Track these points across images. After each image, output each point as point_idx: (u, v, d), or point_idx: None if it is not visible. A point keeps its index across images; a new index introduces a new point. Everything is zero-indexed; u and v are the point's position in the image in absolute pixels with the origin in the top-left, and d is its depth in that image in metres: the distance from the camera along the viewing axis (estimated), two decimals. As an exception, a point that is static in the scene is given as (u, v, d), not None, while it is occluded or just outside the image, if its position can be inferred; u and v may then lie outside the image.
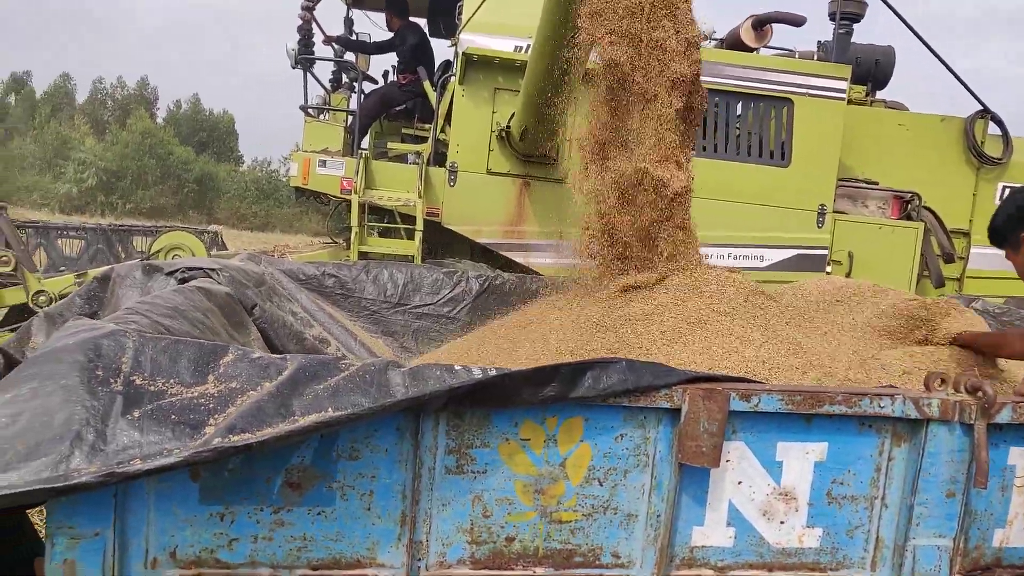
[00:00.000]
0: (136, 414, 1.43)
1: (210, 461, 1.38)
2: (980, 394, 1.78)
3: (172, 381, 1.51)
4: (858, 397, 1.74)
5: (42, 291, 5.63)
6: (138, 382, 1.48)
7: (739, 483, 1.75)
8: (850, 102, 6.32)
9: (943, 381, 1.82)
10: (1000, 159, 6.39)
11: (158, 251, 6.08)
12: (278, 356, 1.57)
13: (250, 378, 1.51)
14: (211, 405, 1.47)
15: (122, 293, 2.73)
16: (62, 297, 5.39)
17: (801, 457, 1.77)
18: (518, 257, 5.95)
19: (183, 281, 2.69)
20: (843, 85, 6.09)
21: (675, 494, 1.71)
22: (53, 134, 41.43)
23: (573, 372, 1.61)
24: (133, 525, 1.50)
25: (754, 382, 1.78)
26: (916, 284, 6.13)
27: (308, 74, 6.56)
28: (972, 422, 1.77)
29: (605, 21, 2.80)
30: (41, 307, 5.49)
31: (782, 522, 1.79)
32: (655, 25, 2.76)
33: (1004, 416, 1.80)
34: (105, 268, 2.97)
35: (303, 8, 6.36)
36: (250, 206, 40.73)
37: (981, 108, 6.40)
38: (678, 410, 1.67)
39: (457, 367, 1.56)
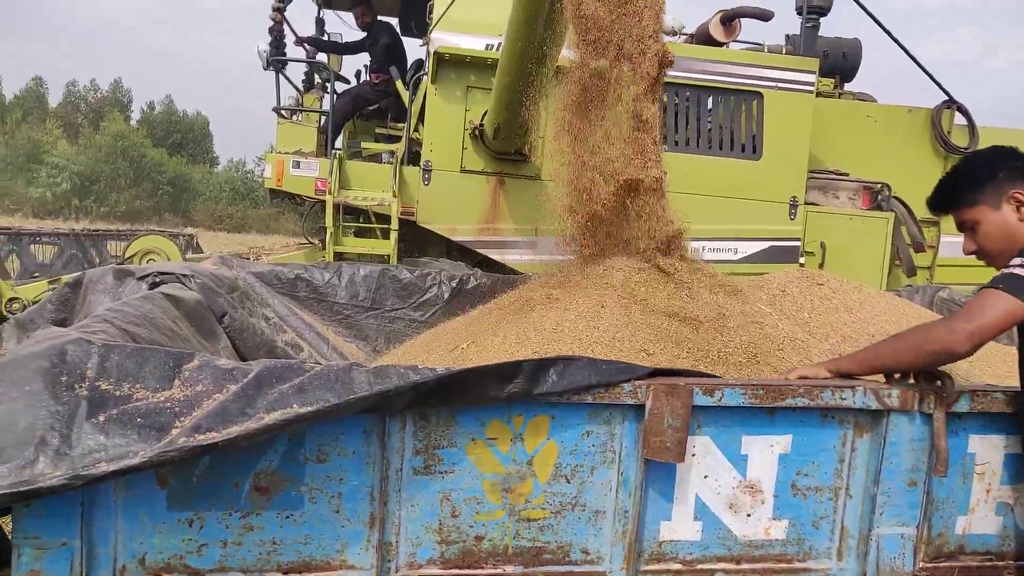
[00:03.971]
0: (101, 418, 1.44)
1: (176, 461, 1.39)
2: (938, 384, 1.82)
3: (138, 386, 1.51)
4: (819, 390, 1.77)
5: (16, 298, 5.57)
6: (103, 387, 1.49)
7: (705, 477, 1.78)
8: (819, 94, 6.39)
9: (902, 373, 1.86)
10: (967, 148, 6.49)
11: (132, 256, 6.03)
12: (244, 363, 1.57)
13: (216, 382, 1.52)
14: (177, 408, 1.48)
15: (93, 299, 2.72)
16: (36, 303, 5.34)
17: (765, 450, 1.80)
18: (494, 254, 5.96)
19: (154, 286, 2.68)
20: (811, 78, 6.15)
21: (642, 490, 1.74)
22: (25, 138, 40.86)
23: (536, 368, 1.63)
24: (100, 534, 1.50)
25: (717, 377, 1.81)
26: (888, 273, 6.22)
27: (280, 75, 6.52)
28: (931, 411, 1.81)
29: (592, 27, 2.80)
30: (14, 314, 5.43)
31: (748, 515, 1.81)
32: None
33: (962, 405, 1.84)
34: (77, 274, 2.96)
35: (274, 9, 6.33)
36: (226, 207, 40.45)
37: (947, 99, 6.50)
38: (642, 406, 1.69)
39: (420, 366, 1.57)
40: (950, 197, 1.97)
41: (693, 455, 1.75)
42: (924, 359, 1.77)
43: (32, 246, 7.53)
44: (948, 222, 6.15)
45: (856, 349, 2.58)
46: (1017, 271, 1.73)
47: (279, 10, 6.36)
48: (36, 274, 6.87)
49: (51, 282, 5.80)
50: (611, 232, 2.82)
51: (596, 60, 2.78)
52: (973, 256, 1.97)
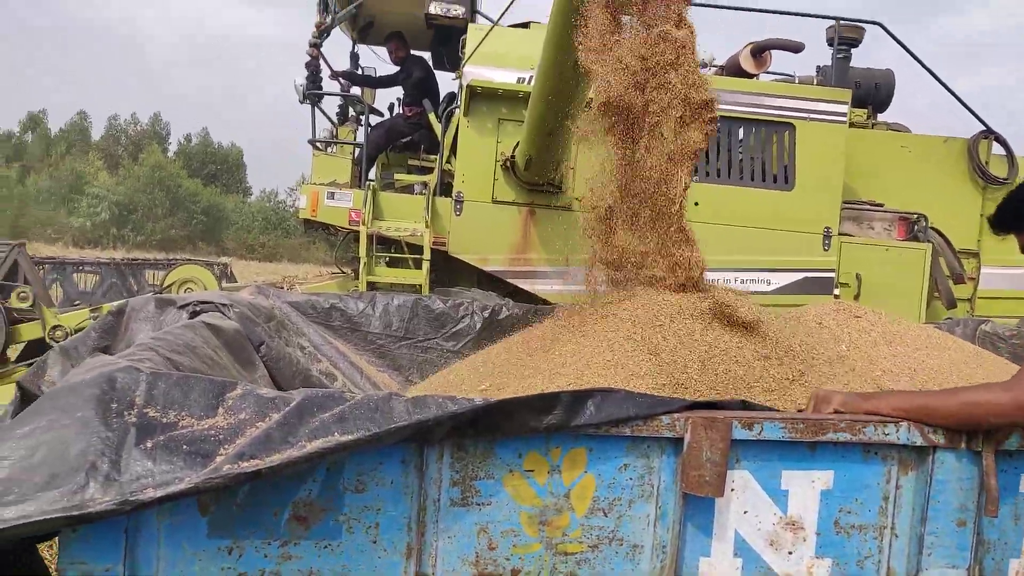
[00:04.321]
0: (149, 444, 1.47)
1: (221, 488, 1.41)
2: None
3: (183, 413, 1.54)
4: (862, 424, 1.75)
5: (58, 326, 5.70)
6: (151, 414, 1.51)
7: (745, 512, 1.75)
8: (852, 125, 6.36)
9: None
10: (1006, 179, 6.41)
11: (171, 284, 6.15)
12: (285, 392, 1.60)
13: (259, 410, 1.54)
14: (221, 436, 1.50)
15: (135, 327, 2.77)
16: (78, 331, 5.45)
17: (807, 485, 1.77)
18: (524, 284, 5.99)
19: (195, 315, 2.73)
20: (844, 109, 6.14)
21: (680, 524, 1.72)
22: (68, 170, 42.03)
23: (574, 400, 1.63)
24: (143, 560, 1.52)
25: (756, 407, 1.79)
26: (927, 305, 6.13)
27: (316, 108, 6.66)
28: (980, 449, 1.77)
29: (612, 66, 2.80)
30: (57, 341, 5.55)
31: (790, 552, 1.78)
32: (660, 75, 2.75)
33: (1012, 443, 1.79)
34: (120, 302, 3.02)
35: (311, 45, 6.49)
36: (257, 236, 41.07)
37: (984, 128, 6.43)
38: (681, 439, 1.68)
39: (458, 396, 1.58)
40: (1014, 218, 1.91)
41: (732, 490, 1.73)
42: (972, 424, 1.72)
43: (75, 275, 7.72)
44: (988, 253, 6.06)
45: (897, 383, 2.55)
46: None
47: (315, 45, 6.51)
48: (78, 302, 7.03)
49: (92, 310, 5.92)
50: (638, 261, 2.82)
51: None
52: None
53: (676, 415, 1.68)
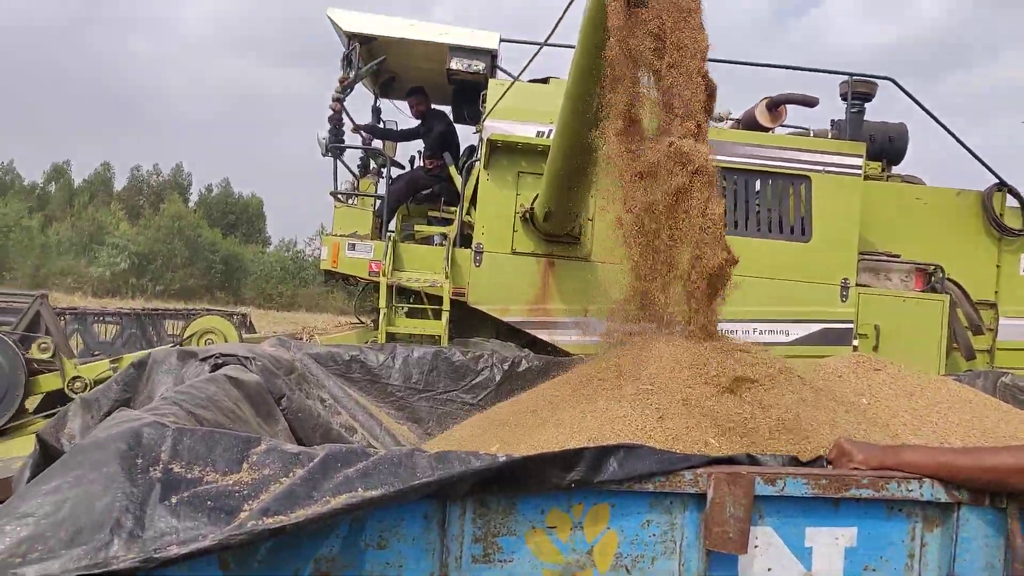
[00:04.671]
0: (173, 500, 1.48)
1: (245, 544, 1.42)
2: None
3: (208, 469, 1.55)
4: (885, 480, 1.74)
5: (78, 377, 5.74)
6: (176, 470, 1.53)
7: (769, 569, 1.73)
8: (867, 177, 6.40)
9: None
10: (1021, 230, 6.41)
11: (191, 335, 6.21)
12: (309, 447, 1.61)
13: (283, 465, 1.55)
14: (245, 492, 1.51)
15: (158, 379, 2.80)
16: (97, 382, 5.49)
17: (831, 543, 1.75)
18: (543, 335, 6.00)
19: (216, 367, 2.76)
20: (859, 162, 6.19)
21: (704, 581, 1.70)
22: (89, 220, 42.79)
23: (597, 456, 1.63)
24: (164, 616, 1.52)
25: (778, 463, 1.78)
26: (946, 356, 6.08)
27: (338, 161, 6.79)
28: (1004, 506, 1.75)
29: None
30: (77, 392, 5.59)
31: (815, 610, 1.76)
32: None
33: (1037, 499, 1.78)
34: (142, 354, 3.06)
35: (334, 99, 6.64)
36: (276, 286, 41.39)
37: (998, 181, 6.46)
38: (704, 495, 1.67)
39: (481, 452, 1.59)
40: None
41: (756, 546, 1.72)
42: (999, 487, 1.71)
43: (95, 325, 7.81)
44: (1006, 304, 6.01)
45: (918, 437, 2.53)
46: None
47: (339, 100, 6.66)
48: (97, 353, 7.10)
49: (112, 361, 5.97)
50: (659, 310, 2.83)
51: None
52: None
53: (699, 470, 1.68)
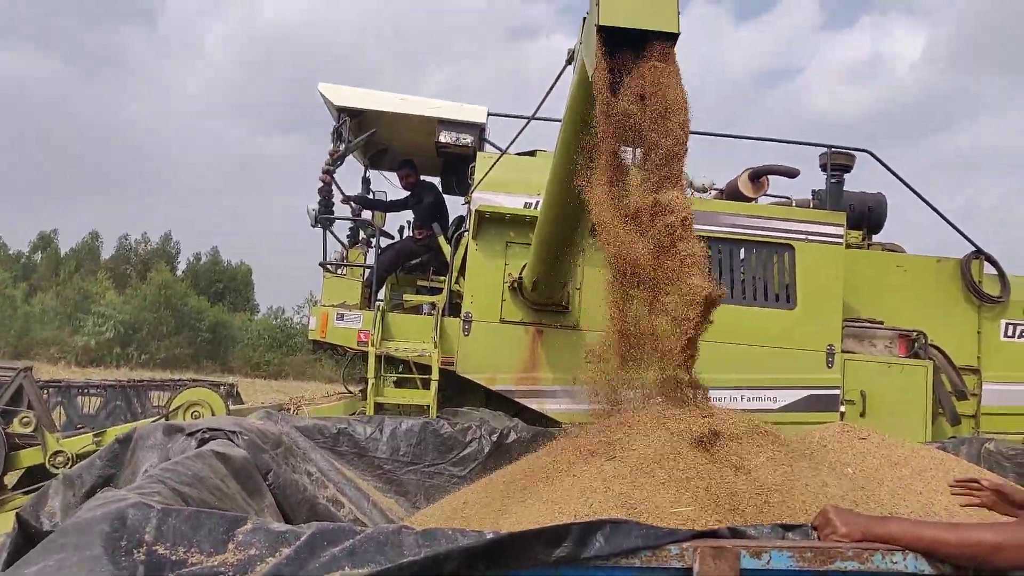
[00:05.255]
0: (157, 583, 1.47)
1: None
2: (991, 547, 1.77)
3: (193, 550, 1.55)
4: (870, 552, 1.75)
5: (60, 451, 5.67)
6: (160, 551, 1.52)
7: (756, 645, 1.72)
8: (848, 246, 6.53)
9: None
10: (1000, 298, 6.52)
11: (177, 408, 6.16)
12: (296, 526, 1.61)
13: (269, 545, 1.55)
14: (230, 572, 1.50)
15: (142, 455, 2.79)
16: (80, 457, 5.42)
17: (817, 616, 1.75)
18: (532, 404, 6.00)
19: (203, 443, 2.76)
20: (840, 231, 6.33)
21: (692, 658, 1.69)
22: (75, 289, 42.62)
23: (584, 531, 1.64)
24: None
25: (763, 537, 1.79)
26: (932, 422, 6.10)
27: (327, 232, 6.87)
28: (988, 569, 1.76)
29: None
30: (58, 468, 5.51)
31: None
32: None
33: (1018, 575, 1.79)
34: (127, 428, 3.04)
35: (324, 171, 6.76)
36: (263, 354, 41.08)
37: (975, 249, 6.60)
38: (690, 569, 1.67)
39: (468, 529, 1.60)
40: None
41: (743, 621, 1.71)
42: (976, 563, 1.72)
43: (79, 398, 7.72)
44: (989, 369, 6.08)
45: (903, 507, 2.54)
46: None
47: (328, 172, 6.78)
48: (80, 426, 7.00)
49: (96, 435, 5.90)
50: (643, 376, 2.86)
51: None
52: None
53: (684, 544, 1.68)
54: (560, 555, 1.62)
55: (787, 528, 1.89)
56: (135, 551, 1.51)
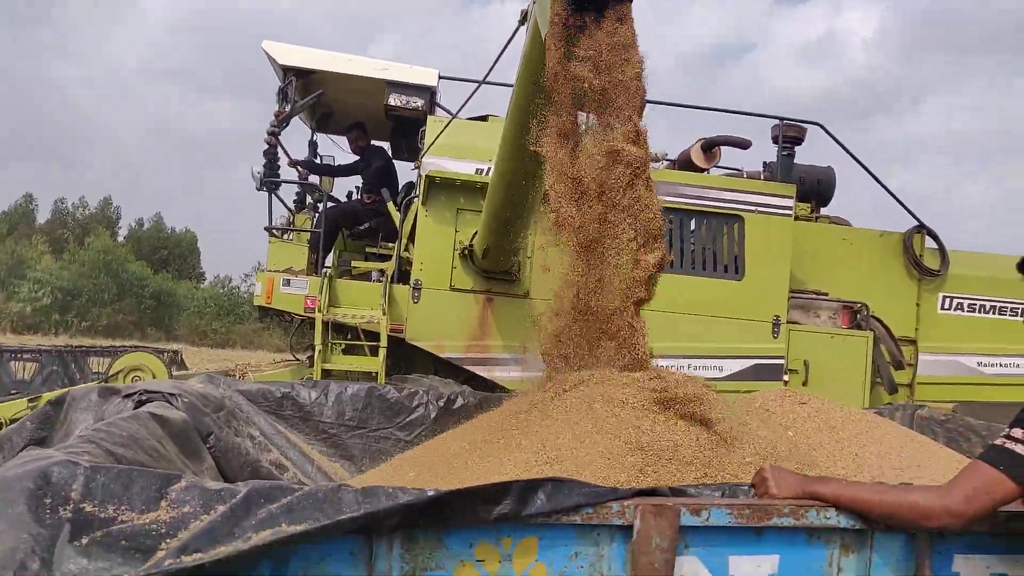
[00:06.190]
0: (84, 541, 1.42)
1: None
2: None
3: (123, 508, 1.50)
4: (805, 509, 1.78)
5: (-8, 416, 5.49)
6: (88, 509, 1.47)
7: (694, 599, 1.75)
8: (797, 218, 6.63)
9: None
10: (938, 271, 6.71)
11: (117, 373, 6.00)
12: (232, 484, 1.57)
13: (204, 503, 1.51)
14: (163, 530, 1.46)
15: (76, 417, 2.70)
16: (13, 422, 5.24)
17: (753, 570, 1.78)
18: (481, 371, 5.99)
19: (140, 404, 2.68)
20: (789, 203, 6.42)
21: (631, 613, 1.71)
22: (8, 253, 41.09)
23: (525, 489, 1.63)
24: (75, 663, 1.45)
25: (703, 495, 1.81)
26: (870, 390, 6.28)
27: (273, 196, 6.72)
28: (914, 532, 1.82)
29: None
30: (-10, 432, 5.32)
31: (739, 638, 1.78)
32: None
33: (946, 526, 1.84)
34: (60, 391, 2.95)
35: (268, 132, 6.59)
36: (210, 323, 40.31)
37: (917, 224, 6.76)
38: (630, 526, 1.69)
39: (409, 487, 1.58)
40: None
41: (682, 576, 1.74)
42: (904, 524, 1.78)
43: (12, 363, 7.47)
44: (925, 340, 6.26)
45: (837, 467, 2.61)
46: (1019, 450, 1.70)
47: (274, 134, 6.62)
48: (15, 392, 6.78)
49: (31, 400, 5.73)
50: (589, 347, 2.87)
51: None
52: None
53: (626, 502, 1.69)
54: (501, 512, 1.61)
55: (727, 487, 1.92)
56: (61, 508, 1.45)
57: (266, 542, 1.43)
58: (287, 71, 6.55)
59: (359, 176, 7.45)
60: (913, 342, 6.65)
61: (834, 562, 1.82)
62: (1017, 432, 1.73)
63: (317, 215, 6.94)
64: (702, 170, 6.70)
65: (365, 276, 6.68)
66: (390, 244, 6.83)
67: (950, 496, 1.72)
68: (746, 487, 1.92)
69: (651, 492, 1.77)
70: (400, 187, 7.26)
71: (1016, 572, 1.92)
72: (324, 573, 1.57)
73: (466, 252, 5.97)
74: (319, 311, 5.84)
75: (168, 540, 1.44)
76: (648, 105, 3.02)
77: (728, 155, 6.94)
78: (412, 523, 1.58)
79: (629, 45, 2.88)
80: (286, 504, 1.50)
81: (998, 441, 1.75)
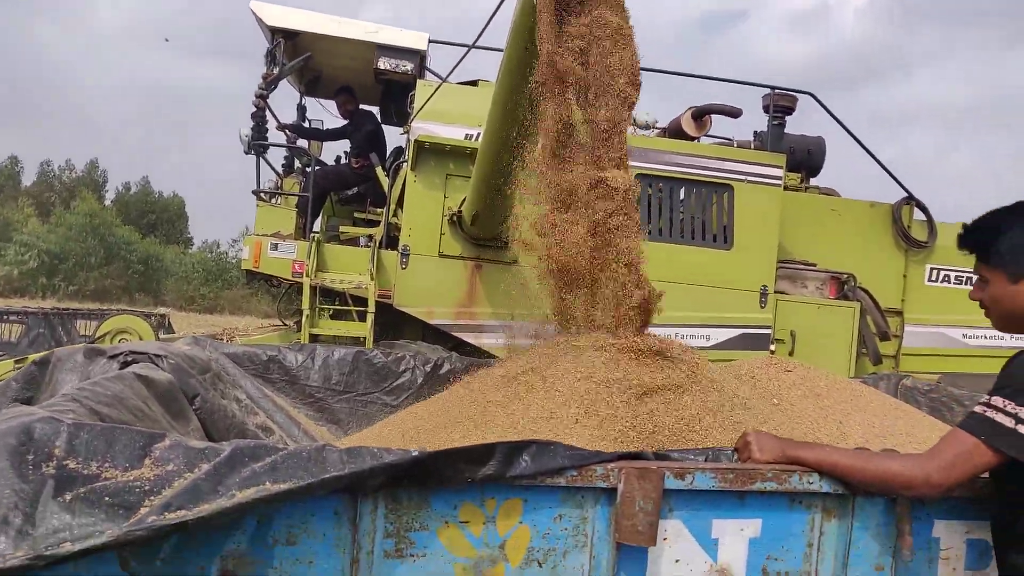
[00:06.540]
0: (68, 497, 1.42)
1: (144, 540, 1.37)
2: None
3: (107, 465, 1.49)
4: (788, 473, 1.80)
5: (-23, 377, 5.45)
6: (71, 466, 1.47)
7: (676, 561, 1.77)
8: (786, 188, 6.62)
9: None
10: (926, 243, 6.74)
11: (104, 335, 5.97)
12: (217, 443, 1.57)
13: (187, 461, 1.51)
14: (147, 487, 1.46)
15: (61, 377, 2.69)
16: (-2, 382, 5.23)
17: (736, 534, 1.80)
18: (469, 338, 6.00)
19: (125, 365, 2.67)
20: (779, 172, 6.40)
21: (614, 574, 1.72)
22: (-6, 216, 40.69)
23: (510, 451, 1.64)
24: (58, 619, 1.46)
25: (687, 459, 1.83)
26: (855, 361, 6.33)
27: (261, 159, 6.64)
28: (895, 497, 1.84)
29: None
30: (-25, 394, 5.30)
31: (720, 600, 1.80)
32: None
33: (927, 490, 1.87)
34: (46, 352, 2.93)
35: (256, 95, 6.49)
36: (198, 288, 40.12)
37: (906, 195, 6.77)
38: (614, 490, 1.70)
39: (393, 447, 1.58)
40: (975, 244, 1.89)
41: (665, 539, 1.75)
42: (884, 491, 1.80)
43: (-1, 324, 7.41)
44: (911, 312, 6.28)
45: (821, 434, 2.63)
46: (999, 418, 1.71)
47: (262, 96, 6.52)
48: (1, 353, 6.75)
49: (17, 361, 5.70)
50: (586, 306, 2.86)
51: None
52: (977, 303, 1.89)
53: (610, 465, 1.70)
54: (486, 473, 1.62)
55: (711, 451, 1.93)
56: (44, 465, 1.45)
57: (250, 500, 1.43)
58: (275, 32, 6.44)
59: (348, 140, 7.38)
60: (899, 313, 6.69)
61: (816, 526, 1.84)
62: (997, 400, 1.73)
63: (305, 179, 6.88)
64: (692, 138, 6.67)
65: (353, 241, 6.65)
66: (378, 209, 6.78)
67: (930, 465, 1.74)
68: (729, 451, 1.93)
69: (635, 456, 1.78)
70: (389, 152, 7.20)
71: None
72: (309, 532, 1.58)
73: (455, 218, 5.94)
74: (307, 275, 5.82)
75: (152, 497, 1.44)
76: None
77: (719, 124, 6.90)
78: (397, 483, 1.59)
79: (622, 28, 2.84)
80: (270, 463, 1.50)
81: (977, 408, 1.75)
